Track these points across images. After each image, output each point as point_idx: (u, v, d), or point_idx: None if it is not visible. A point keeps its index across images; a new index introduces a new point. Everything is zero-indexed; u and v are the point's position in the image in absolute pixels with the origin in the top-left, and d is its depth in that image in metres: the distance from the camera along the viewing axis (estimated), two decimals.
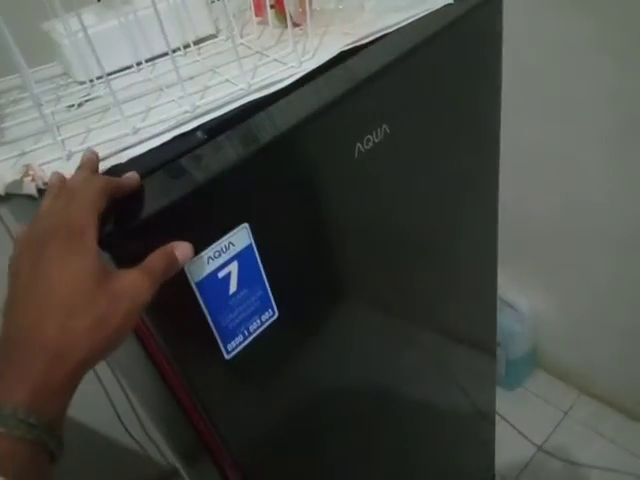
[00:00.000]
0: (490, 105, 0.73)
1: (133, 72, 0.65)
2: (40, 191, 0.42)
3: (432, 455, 1.02)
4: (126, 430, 1.16)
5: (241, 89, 0.53)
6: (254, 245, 0.47)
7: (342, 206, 0.57)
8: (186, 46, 0.66)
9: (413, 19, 0.60)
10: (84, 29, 0.48)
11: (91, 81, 0.63)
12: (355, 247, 0.62)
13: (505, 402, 1.45)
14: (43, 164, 0.45)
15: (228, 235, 0.44)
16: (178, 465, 1.09)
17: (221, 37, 0.70)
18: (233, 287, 0.46)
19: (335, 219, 0.57)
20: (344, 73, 0.55)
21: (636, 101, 1.02)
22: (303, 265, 0.55)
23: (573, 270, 1.37)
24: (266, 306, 0.50)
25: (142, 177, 0.41)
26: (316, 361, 0.62)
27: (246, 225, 0.45)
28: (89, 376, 0.36)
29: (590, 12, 0.99)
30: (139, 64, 0.64)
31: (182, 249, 0.40)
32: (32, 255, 0.36)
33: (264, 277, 0.49)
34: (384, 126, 0.56)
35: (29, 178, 0.42)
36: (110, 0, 0.66)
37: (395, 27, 0.59)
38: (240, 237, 0.45)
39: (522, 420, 1.48)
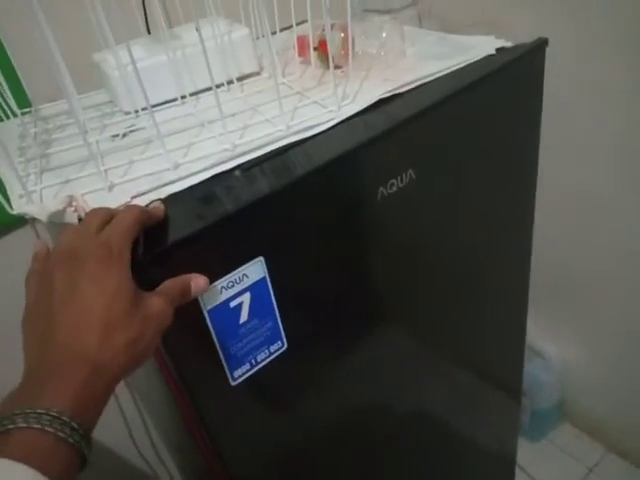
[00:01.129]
0: (528, 154, 0.73)
1: (177, 105, 0.67)
2: (81, 220, 0.44)
3: None
4: (138, 452, 1.16)
5: (280, 130, 0.54)
6: (268, 278, 0.47)
7: (359, 247, 0.57)
8: (229, 82, 0.68)
9: (454, 68, 0.61)
10: (133, 63, 0.50)
11: (136, 112, 0.65)
12: (370, 287, 0.61)
13: (527, 454, 1.40)
14: (85, 194, 0.47)
15: (243, 267, 0.45)
16: None
17: (264, 75, 0.72)
18: (244, 317, 0.47)
19: (351, 259, 0.57)
20: (377, 119, 0.55)
21: None
22: (316, 301, 0.55)
23: (606, 320, 1.33)
24: (276, 337, 0.50)
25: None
26: (322, 395, 0.62)
27: (261, 259, 0.46)
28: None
29: (626, 59, 0.99)
30: (183, 97, 0.66)
31: (197, 282, 0.41)
32: (69, 271, 0.37)
33: (276, 309, 0.49)
34: (410, 171, 0.56)
35: (72, 209, 0.43)
36: (159, 33, 0.69)
37: (435, 75, 0.60)
38: (254, 270, 0.46)
39: (544, 474, 1.42)
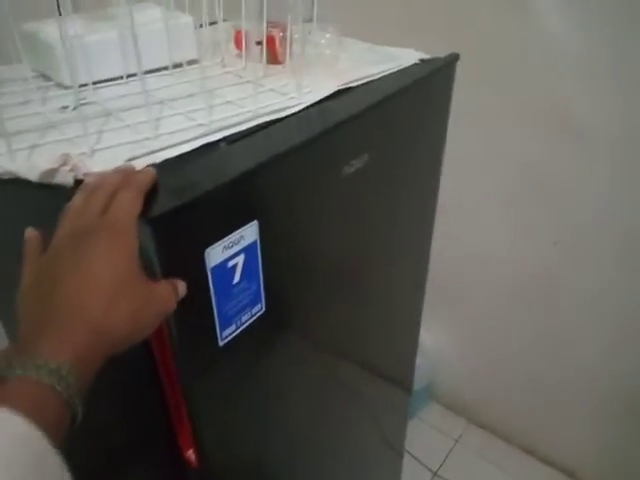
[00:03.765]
0: (437, 154, 0.85)
1: (122, 83, 0.66)
2: (77, 182, 0.43)
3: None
4: None
5: (249, 111, 0.58)
6: (258, 242, 0.51)
7: (324, 219, 0.63)
8: (177, 65, 0.70)
9: (388, 72, 0.70)
10: (133, 33, 0.50)
11: (82, 86, 0.63)
12: (321, 259, 0.67)
13: None
14: None
15: (242, 229, 0.48)
16: None
17: (205, 63, 0.75)
18: (237, 278, 0.50)
19: (317, 229, 0.63)
20: (338, 107, 0.62)
21: (539, 170, 1.21)
22: (288, 268, 0.60)
23: (473, 313, 1.54)
24: (257, 300, 0.54)
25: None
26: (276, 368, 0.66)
27: (256, 222, 0.49)
28: None
29: (501, 88, 1.18)
30: (130, 76, 0.66)
31: (182, 286, 0.43)
32: (76, 247, 0.37)
33: (260, 273, 0.53)
34: (365, 155, 0.63)
35: (67, 168, 0.43)
36: (104, 12, 0.69)
37: (377, 76, 0.68)
38: (250, 232, 0.49)
39: (418, 448, 1.59)
